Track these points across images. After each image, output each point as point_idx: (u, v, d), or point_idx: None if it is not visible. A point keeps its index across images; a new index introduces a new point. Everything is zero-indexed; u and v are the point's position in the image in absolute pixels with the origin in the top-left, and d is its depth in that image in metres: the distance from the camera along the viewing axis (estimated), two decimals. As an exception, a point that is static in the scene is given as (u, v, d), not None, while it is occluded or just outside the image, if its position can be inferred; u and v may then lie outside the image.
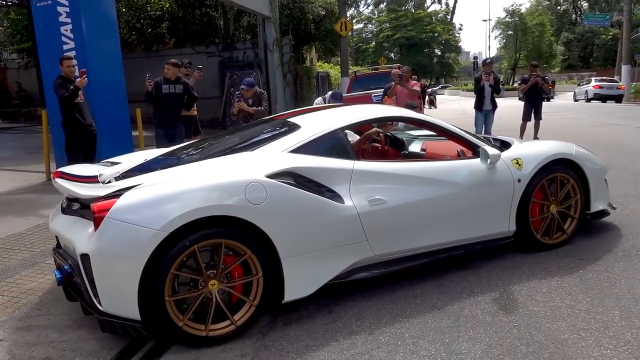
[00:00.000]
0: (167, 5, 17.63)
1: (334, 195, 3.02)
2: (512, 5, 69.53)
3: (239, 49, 16.73)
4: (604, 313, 2.80)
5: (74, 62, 6.33)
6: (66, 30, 7.13)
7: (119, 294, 2.53)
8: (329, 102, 6.56)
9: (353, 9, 62.41)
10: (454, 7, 61.91)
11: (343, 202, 3.02)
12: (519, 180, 3.64)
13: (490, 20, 61.37)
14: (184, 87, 6.59)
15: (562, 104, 25.08)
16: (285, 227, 2.81)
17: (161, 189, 2.65)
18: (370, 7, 65.34)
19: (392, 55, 53.87)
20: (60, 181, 3.04)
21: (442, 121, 3.80)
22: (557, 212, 3.86)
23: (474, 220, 3.53)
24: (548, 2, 63.30)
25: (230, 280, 2.76)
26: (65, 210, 3.07)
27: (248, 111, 6.33)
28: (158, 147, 5.66)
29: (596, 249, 3.81)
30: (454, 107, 26.81)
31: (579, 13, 58.91)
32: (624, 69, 27.47)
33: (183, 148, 3.89)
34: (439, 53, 54.82)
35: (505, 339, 2.59)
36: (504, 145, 4.03)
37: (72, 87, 6.05)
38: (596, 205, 4.05)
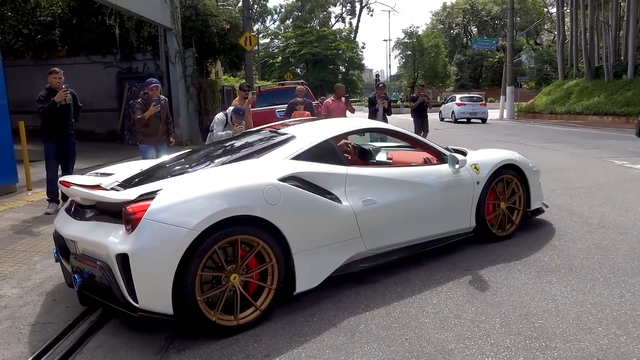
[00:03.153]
0: (60, 11, 16.51)
1: (333, 197, 3.42)
2: (410, 27, 73.53)
3: (138, 59, 16.08)
4: (486, 321, 2.99)
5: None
6: None
7: (155, 290, 2.71)
8: (230, 118, 6.47)
9: (260, 23, 62.74)
10: (357, 27, 64.42)
11: (341, 203, 3.43)
12: (478, 183, 4.29)
13: (390, 40, 64.56)
14: (73, 97, 6.20)
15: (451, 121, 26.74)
16: (296, 225, 3.14)
17: (189, 192, 2.91)
18: (277, 23, 66.11)
19: (298, 70, 54.58)
20: (76, 189, 3.16)
21: (413, 133, 4.49)
22: (507, 208, 4.56)
23: (445, 217, 4.12)
24: (442, 26, 67.84)
25: (249, 271, 3.01)
26: (79, 217, 3.20)
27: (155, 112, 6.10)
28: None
29: (482, 259, 4.08)
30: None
31: (469, 37, 63.75)
32: (508, 89, 30.07)
33: (179, 158, 4.10)
34: (343, 70, 56.47)
35: (397, 353, 2.67)
36: (462, 154, 4.48)
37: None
38: (535, 204, 4.79)
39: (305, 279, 3.20)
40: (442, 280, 3.65)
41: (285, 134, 3.89)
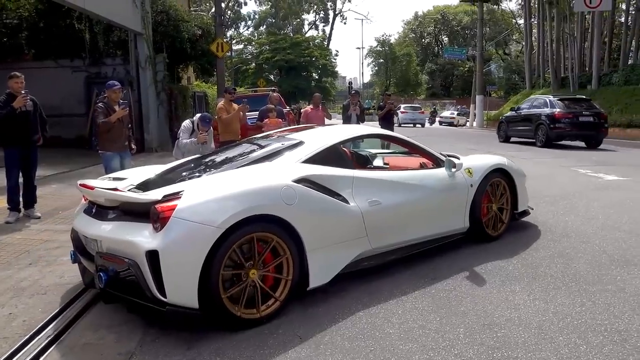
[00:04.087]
0: (26, 14, 16.09)
1: (341, 198, 3.62)
2: (383, 35, 74.33)
3: (108, 64, 15.80)
4: (450, 331, 3.01)
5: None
6: None
7: (182, 285, 2.85)
8: (197, 125, 6.36)
9: (233, 29, 62.45)
10: (330, 34, 64.68)
11: (349, 204, 3.63)
12: (471, 186, 4.56)
13: (363, 48, 65.11)
14: (36, 106, 6.00)
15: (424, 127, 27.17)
16: (309, 224, 3.32)
17: (213, 193, 3.08)
18: (251, 29, 65.92)
19: (272, 77, 54.49)
20: (101, 191, 3.30)
21: (412, 139, 4.70)
22: (497, 209, 4.85)
23: (442, 218, 4.39)
24: (414, 35, 68.82)
25: (266, 266, 3.18)
26: (102, 218, 3.33)
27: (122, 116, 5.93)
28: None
29: (449, 269, 4.11)
30: (330, 129, 27.71)
31: (440, 46, 64.81)
32: (478, 98, 30.67)
33: (189, 163, 4.28)
34: (317, 77, 56.60)
35: (361, 365, 2.66)
36: (456, 159, 4.75)
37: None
38: (522, 206, 5.12)
39: (318, 276, 3.39)
40: (409, 290, 3.66)
41: (294, 139, 4.10)
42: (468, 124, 32.56)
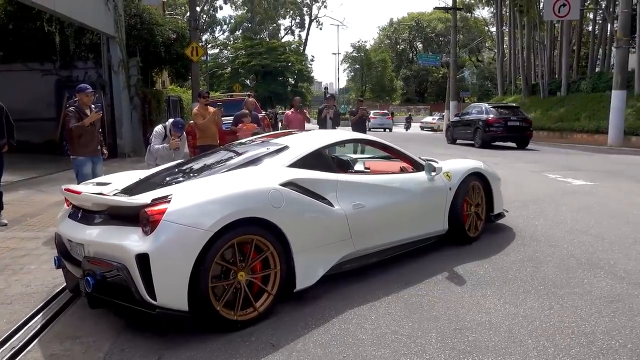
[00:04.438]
0: (-5, 16, 15.69)
1: (326, 201, 3.70)
2: (358, 41, 74.90)
3: (79, 68, 15.50)
4: (422, 336, 3.03)
5: None
6: None
7: (173, 288, 2.87)
8: (169, 130, 6.28)
9: (208, 33, 62.01)
10: (306, 40, 64.85)
11: (334, 207, 3.71)
12: (450, 189, 4.69)
13: (339, 53, 65.56)
14: (2, 111, 5.84)
15: (396, 132, 27.44)
16: (296, 227, 3.39)
17: (202, 196, 3.11)
18: (226, 33, 65.59)
19: (247, 81, 54.27)
20: (88, 195, 3.32)
21: (393, 144, 4.84)
22: (475, 211, 4.99)
23: (423, 220, 4.51)
24: (389, 41, 69.49)
25: (254, 267, 3.23)
26: (88, 222, 3.30)
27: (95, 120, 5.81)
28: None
29: (421, 273, 4.14)
30: (306, 134, 27.76)
31: (415, 52, 65.58)
32: (452, 104, 31.08)
33: (173, 168, 4.29)
34: (293, 82, 56.61)
35: (334, 371, 2.66)
36: (435, 163, 4.86)
37: None
38: (497, 208, 5.29)
39: (304, 277, 3.45)
40: (382, 295, 3.68)
41: (278, 144, 4.16)
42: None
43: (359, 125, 11.70)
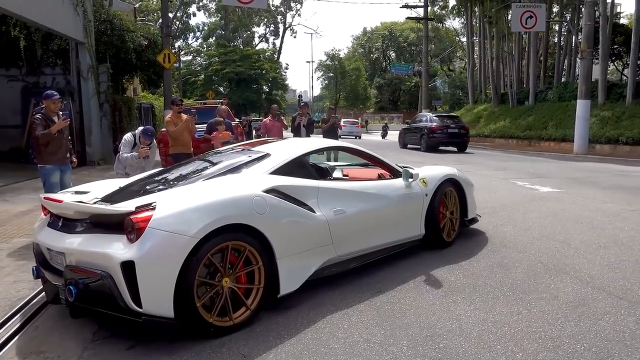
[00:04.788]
0: (-43, 20, 15.24)
1: (308, 207, 3.77)
2: (332, 49, 75.27)
3: (47, 74, 15.21)
4: (394, 344, 3.05)
5: None
6: None
7: (158, 295, 2.87)
8: (139, 138, 6.17)
9: (182, 40, 61.48)
10: (280, 47, 64.90)
11: (315, 213, 3.79)
12: (426, 195, 4.84)
13: (313, 62, 65.93)
14: None
15: (368, 139, 27.64)
16: (279, 233, 3.45)
17: (187, 203, 3.12)
18: (200, 40, 65.14)
19: (221, 89, 53.96)
20: (70, 204, 3.32)
21: (371, 151, 4.97)
22: (450, 216, 5.13)
23: (400, 225, 4.63)
24: (362, 50, 70.16)
25: (239, 273, 3.26)
26: (69, 231, 3.27)
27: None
28: None
29: (393, 280, 4.17)
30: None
31: (388, 61, 66.37)
32: (424, 112, 31.50)
33: (153, 176, 4.29)
34: (267, 89, 56.54)
35: (306, 381, 2.64)
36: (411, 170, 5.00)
37: None
38: (471, 213, 5.46)
39: (288, 283, 3.51)
40: (354, 303, 3.68)
41: (260, 151, 4.23)
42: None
43: (331, 132, 11.76)
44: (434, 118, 20.22)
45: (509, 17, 23.90)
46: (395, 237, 4.56)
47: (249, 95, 51.90)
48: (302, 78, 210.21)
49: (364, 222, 4.22)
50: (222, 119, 8.85)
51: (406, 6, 32.79)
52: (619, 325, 3.21)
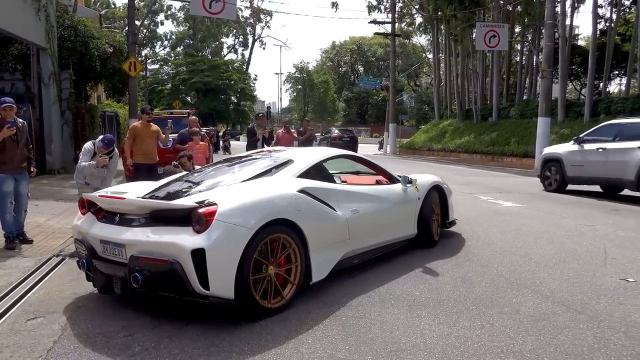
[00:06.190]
0: None
1: (330, 207, 4.27)
2: (301, 62, 75.73)
3: (6, 79, 14.64)
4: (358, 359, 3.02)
5: None
6: None
7: (223, 279, 3.32)
8: (98, 147, 5.99)
9: (149, 48, 60.69)
10: (249, 59, 64.86)
11: (337, 212, 4.30)
12: (419, 199, 5.48)
13: (282, 74, 66.10)
14: None
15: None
16: (312, 228, 3.93)
17: (241, 200, 3.60)
18: (167, 49, 64.45)
19: (188, 98, 53.41)
20: (133, 200, 3.76)
21: (372, 160, 5.74)
22: (435, 218, 5.75)
23: (399, 225, 5.25)
24: (331, 63, 70.80)
25: (280, 264, 3.74)
26: (130, 224, 3.64)
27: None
28: None
29: (358, 293, 4.16)
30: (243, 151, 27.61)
31: (356, 75, 67.17)
32: (391, 126, 31.97)
33: (187, 177, 4.72)
34: (235, 100, 56.27)
35: (268, 399, 2.59)
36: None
37: None
38: (451, 216, 6.21)
39: (318, 272, 4.01)
40: (319, 318, 3.65)
41: (283, 157, 4.73)
42: (382, 150, 34.08)
43: (307, 144, 11.76)
44: (334, 130, 33.21)
45: (474, 36, 24.60)
46: (394, 236, 5.16)
47: (216, 105, 51.57)
48: (271, 89, 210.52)
49: (373, 221, 4.77)
50: (197, 130, 8.80)
51: (374, 22, 33.37)
52: (578, 340, 3.28)
